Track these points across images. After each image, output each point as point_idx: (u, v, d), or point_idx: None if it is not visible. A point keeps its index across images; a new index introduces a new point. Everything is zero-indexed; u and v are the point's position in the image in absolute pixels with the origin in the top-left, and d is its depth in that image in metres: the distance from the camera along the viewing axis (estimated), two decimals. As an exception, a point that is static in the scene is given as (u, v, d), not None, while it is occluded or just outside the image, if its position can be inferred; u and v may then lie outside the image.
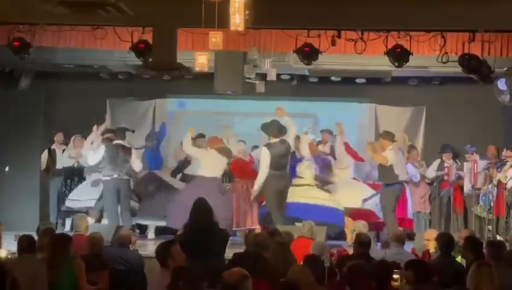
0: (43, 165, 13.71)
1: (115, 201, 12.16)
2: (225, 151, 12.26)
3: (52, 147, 13.84)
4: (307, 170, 12.38)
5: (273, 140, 11.87)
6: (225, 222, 10.84)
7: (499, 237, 12.05)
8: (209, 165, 12.12)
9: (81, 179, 13.49)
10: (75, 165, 13.52)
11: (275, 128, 11.88)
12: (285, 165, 11.95)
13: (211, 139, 12.57)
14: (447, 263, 7.62)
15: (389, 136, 12.25)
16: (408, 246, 9.28)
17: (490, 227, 12.26)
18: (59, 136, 13.97)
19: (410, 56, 10.84)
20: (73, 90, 14.83)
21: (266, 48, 11.65)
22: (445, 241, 8.02)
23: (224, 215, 11.07)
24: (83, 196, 12.93)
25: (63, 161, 13.64)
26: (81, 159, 13.28)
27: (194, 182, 12.32)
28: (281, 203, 11.79)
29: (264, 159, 11.82)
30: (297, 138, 12.33)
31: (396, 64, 10.96)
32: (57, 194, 13.71)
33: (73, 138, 13.68)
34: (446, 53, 10.83)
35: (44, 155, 13.75)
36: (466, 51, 10.81)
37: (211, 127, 14.46)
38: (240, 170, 12.94)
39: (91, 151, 12.64)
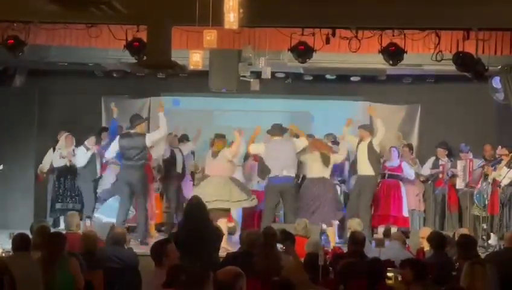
0: (47, 165, 13.66)
1: None
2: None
3: (57, 146, 13.79)
4: None
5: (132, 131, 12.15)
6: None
7: (493, 235, 12.10)
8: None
9: (74, 177, 13.46)
10: (67, 164, 13.46)
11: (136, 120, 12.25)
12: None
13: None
14: (441, 261, 7.66)
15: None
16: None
17: (485, 225, 12.28)
18: (62, 135, 13.91)
19: (405, 54, 10.86)
20: (67, 88, 14.78)
21: (261, 46, 11.66)
22: (436, 240, 8.08)
23: None
24: None
25: (55, 159, 13.59)
26: (72, 157, 13.31)
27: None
28: (131, 194, 11.95)
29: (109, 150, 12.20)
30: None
31: (391, 62, 10.97)
32: (51, 193, 13.69)
33: (64, 136, 13.60)
34: (440, 51, 10.84)
35: (49, 155, 13.69)
36: (460, 49, 10.84)
37: (206, 125, 14.50)
38: None
39: (83, 152, 13.09)
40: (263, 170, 12.29)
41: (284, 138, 12.39)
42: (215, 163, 11.89)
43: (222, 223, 10.89)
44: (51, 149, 13.72)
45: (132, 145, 11.87)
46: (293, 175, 12.24)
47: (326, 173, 12.21)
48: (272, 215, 12.09)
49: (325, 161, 12.15)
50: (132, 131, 12.10)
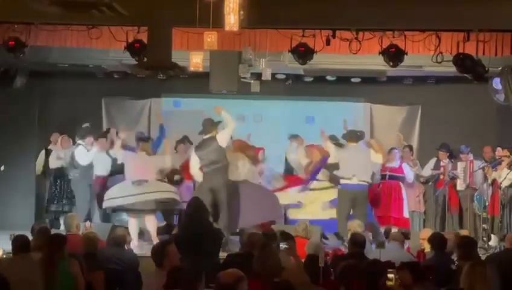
0: (40, 167, 13.65)
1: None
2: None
3: (49, 147, 13.80)
4: None
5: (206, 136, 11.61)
6: None
7: (493, 236, 12.10)
8: None
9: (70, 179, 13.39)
10: (64, 165, 13.41)
11: (208, 125, 11.64)
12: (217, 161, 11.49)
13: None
14: (442, 262, 7.67)
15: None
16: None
17: (485, 226, 12.28)
18: (55, 136, 13.91)
19: (405, 56, 10.88)
20: (68, 89, 14.79)
21: (261, 47, 11.66)
22: (437, 241, 8.09)
23: None
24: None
25: (51, 161, 13.56)
26: (69, 159, 13.22)
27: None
28: (215, 201, 11.20)
29: (192, 165, 11.70)
30: None
31: (391, 63, 10.99)
32: (47, 194, 13.66)
33: (60, 137, 13.56)
34: (441, 53, 10.86)
35: (41, 156, 13.69)
36: (461, 51, 10.85)
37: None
38: None
39: (83, 151, 12.85)
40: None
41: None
42: None
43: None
44: (43, 151, 13.71)
45: (209, 150, 11.47)
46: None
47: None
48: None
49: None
50: (206, 136, 11.63)
